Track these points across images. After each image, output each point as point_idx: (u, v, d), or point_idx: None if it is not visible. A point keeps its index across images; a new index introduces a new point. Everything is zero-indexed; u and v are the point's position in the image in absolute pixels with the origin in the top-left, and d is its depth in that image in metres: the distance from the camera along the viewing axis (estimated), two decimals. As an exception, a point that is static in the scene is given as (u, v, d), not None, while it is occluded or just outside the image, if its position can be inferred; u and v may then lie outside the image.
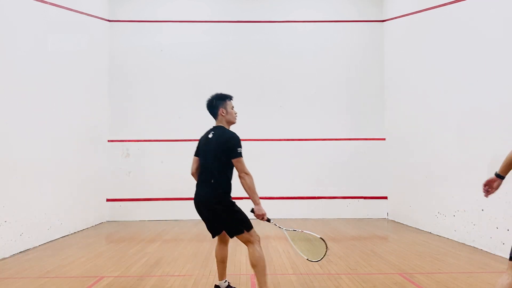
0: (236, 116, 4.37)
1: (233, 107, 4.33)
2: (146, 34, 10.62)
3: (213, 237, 4.30)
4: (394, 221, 10.02)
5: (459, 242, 7.40)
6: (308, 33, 10.78)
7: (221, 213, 4.07)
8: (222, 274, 4.43)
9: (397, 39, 10.05)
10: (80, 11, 9.13)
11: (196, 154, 4.35)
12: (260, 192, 11.14)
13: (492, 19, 6.90)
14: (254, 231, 4.10)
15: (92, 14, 9.69)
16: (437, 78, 8.32)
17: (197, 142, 4.44)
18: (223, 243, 4.36)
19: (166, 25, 10.68)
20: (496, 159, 6.57)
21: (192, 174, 4.35)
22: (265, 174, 10.38)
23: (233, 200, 4.19)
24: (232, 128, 4.39)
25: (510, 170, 3.15)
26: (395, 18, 10.09)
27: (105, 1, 10.40)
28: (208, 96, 4.34)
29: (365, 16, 10.77)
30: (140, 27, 10.63)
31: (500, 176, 3.19)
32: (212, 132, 4.26)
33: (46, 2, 7.90)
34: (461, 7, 7.64)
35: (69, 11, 8.68)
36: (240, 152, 4.04)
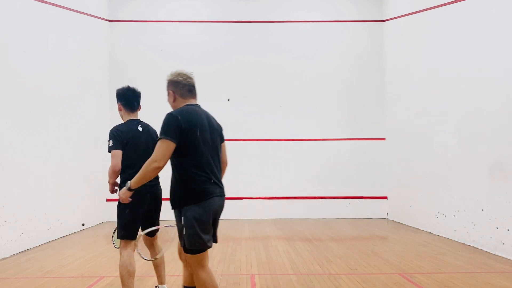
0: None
1: None
2: (146, 34, 10.62)
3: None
4: (394, 221, 10.03)
5: (459, 242, 7.40)
6: (308, 33, 10.78)
7: None
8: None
9: (397, 39, 10.05)
10: (80, 11, 9.14)
11: None
12: (261, 192, 11.26)
13: (492, 18, 6.89)
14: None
15: (92, 14, 9.69)
16: (437, 78, 8.32)
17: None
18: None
19: (166, 25, 10.68)
20: (496, 159, 6.60)
21: None
22: (265, 174, 10.39)
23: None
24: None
25: (141, 184, 3.43)
26: (395, 18, 10.09)
27: (105, 1, 10.40)
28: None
29: (365, 16, 10.77)
30: (140, 27, 10.63)
31: (131, 190, 3.54)
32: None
33: (46, 2, 7.90)
34: (461, 7, 7.64)
35: (69, 11, 8.69)
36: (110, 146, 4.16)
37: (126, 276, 3.95)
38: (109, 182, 4.21)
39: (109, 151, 4.12)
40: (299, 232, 8.56)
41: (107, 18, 10.42)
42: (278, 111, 10.60)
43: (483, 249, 6.82)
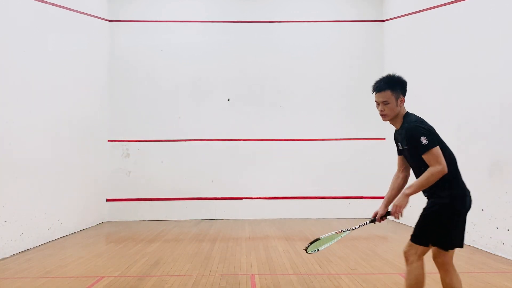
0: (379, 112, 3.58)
1: (376, 101, 3.62)
2: (146, 34, 10.61)
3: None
4: (394, 221, 10.02)
5: (459, 242, 7.39)
6: (308, 33, 10.78)
7: None
8: None
9: (397, 39, 10.04)
10: (80, 11, 9.13)
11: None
12: (260, 192, 11.21)
13: (492, 18, 6.89)
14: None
15: (92, 14, 9.68)
16: (437, 78, 8.31)
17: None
18: None
19: (166, 25, 10.67)
20: (496, 159, 6.59)
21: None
22: (265, 174, 10.38)
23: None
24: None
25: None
26: (395, 18, 10.08)
27: (105, 1, 10.39)
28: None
29: (365, 16, 10.77)
30: (140, 27, 10.63)
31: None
32: None
33: (46, 2, 7.90)
34: (461, 7, 7.63)
35: (69, 11, 8.68)
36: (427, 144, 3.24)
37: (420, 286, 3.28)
38: (409, 194, 3.41)
39: (426, 150, 3.28)
40: (299, 232, 8.56)
41: (107, 18, 10.41)
42: (278, 111, 10.59)
43: (483, 249, 6.82)
